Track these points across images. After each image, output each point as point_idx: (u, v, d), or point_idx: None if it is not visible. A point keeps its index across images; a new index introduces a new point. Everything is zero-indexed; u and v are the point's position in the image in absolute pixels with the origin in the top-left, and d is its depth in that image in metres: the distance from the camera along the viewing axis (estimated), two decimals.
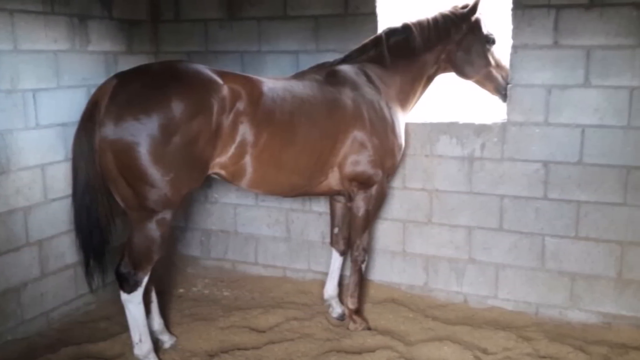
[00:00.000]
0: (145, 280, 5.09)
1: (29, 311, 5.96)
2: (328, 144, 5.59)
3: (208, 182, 7.33)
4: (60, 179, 6.13)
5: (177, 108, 4.72)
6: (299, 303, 6.79)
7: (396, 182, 6.74)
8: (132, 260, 5.00)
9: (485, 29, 6.17)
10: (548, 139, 6.09)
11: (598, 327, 6.14)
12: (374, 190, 5.89)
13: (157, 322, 5.75)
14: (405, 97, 6.16)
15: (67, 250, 6.25)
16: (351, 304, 6.12)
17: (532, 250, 6.34)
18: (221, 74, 5.15)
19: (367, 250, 6.19)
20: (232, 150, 5.13)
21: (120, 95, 4.70)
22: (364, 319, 6.16)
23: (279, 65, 7.07)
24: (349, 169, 5.73)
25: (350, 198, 5.96)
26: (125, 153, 4.65)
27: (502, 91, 6.25)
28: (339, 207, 6.36)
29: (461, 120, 6.45)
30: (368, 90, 5.84)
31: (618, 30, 5.70)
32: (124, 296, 5.08)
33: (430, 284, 6.84)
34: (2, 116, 5.59)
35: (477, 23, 6.13)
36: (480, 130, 6.33)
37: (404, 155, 6.42)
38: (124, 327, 5.44)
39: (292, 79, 5.81)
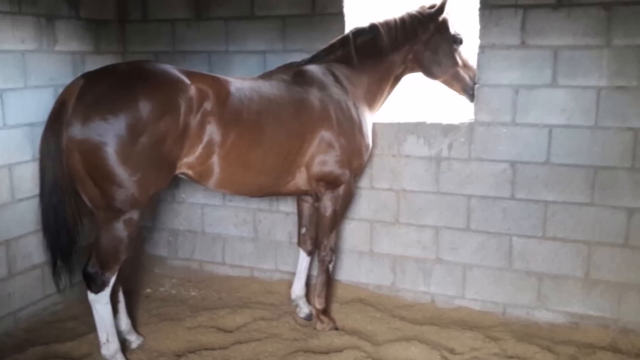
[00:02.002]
0: (113, 280, 5.19)
1: None
2: (295, 144, 5.72)
3: (175, 182, 7.42)
4: (28, 179, 6.22)
5: (145, 108, 4.82)
6: (267, 303, 6.90)
7: (363, 182, 6.88)
8: (99, 260, 5.10)
9: (453, 29, 6.31)
10: (515, 139, 6.23)
11: (565, 327, 6.28)
12: (341, 190, 6.03)
13: (125, 322, 5.83)
14: (373, 97, 6.29)
15: (34, 250, 6.34)
16: (318, 304, 6.26)
17: (499, 250, 6.48)
18: (188, 74, 5.25)
19: (335, 250, 6.35)
20: (199, 150, 5.24)
21: (87, 96, 4.79)
22: (332, 319, 6.30)
23: (246, 65, 7.18)
24: (316, 169, 5.87)
25: (317, 198, 6.10)
26: (92, 153, 4.75)
27: (469, 91, 6.40)
28: (307, 207, 6.50)
29: (429, 120, 6.58)
30: (335, 90, 5.97)
31: (585, 30, 5.84)
32: (91, 296, 5.18)
33: (397, 284, 6.97)
34: None
35: (445, 23, 6.28)
36: (448, 130, 6.47)
37: (371, 155, 6.57)
38: (92, 327, 5.52)
39: (260, 79, 5.92)
